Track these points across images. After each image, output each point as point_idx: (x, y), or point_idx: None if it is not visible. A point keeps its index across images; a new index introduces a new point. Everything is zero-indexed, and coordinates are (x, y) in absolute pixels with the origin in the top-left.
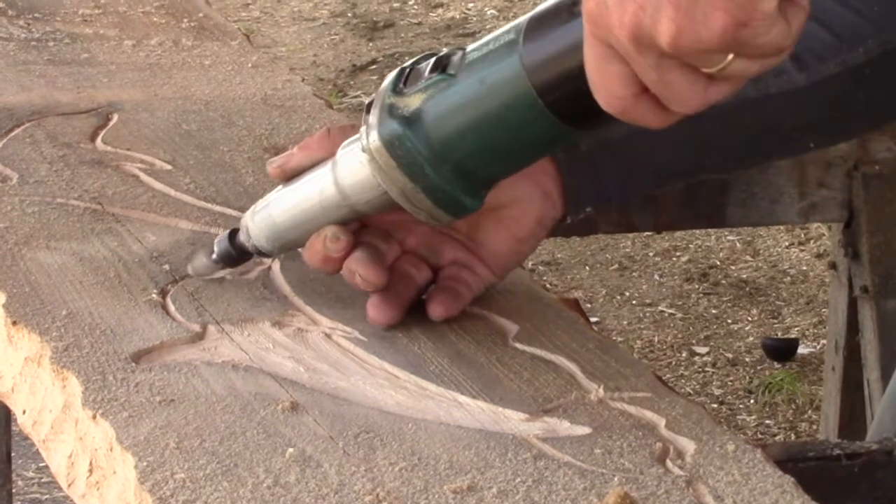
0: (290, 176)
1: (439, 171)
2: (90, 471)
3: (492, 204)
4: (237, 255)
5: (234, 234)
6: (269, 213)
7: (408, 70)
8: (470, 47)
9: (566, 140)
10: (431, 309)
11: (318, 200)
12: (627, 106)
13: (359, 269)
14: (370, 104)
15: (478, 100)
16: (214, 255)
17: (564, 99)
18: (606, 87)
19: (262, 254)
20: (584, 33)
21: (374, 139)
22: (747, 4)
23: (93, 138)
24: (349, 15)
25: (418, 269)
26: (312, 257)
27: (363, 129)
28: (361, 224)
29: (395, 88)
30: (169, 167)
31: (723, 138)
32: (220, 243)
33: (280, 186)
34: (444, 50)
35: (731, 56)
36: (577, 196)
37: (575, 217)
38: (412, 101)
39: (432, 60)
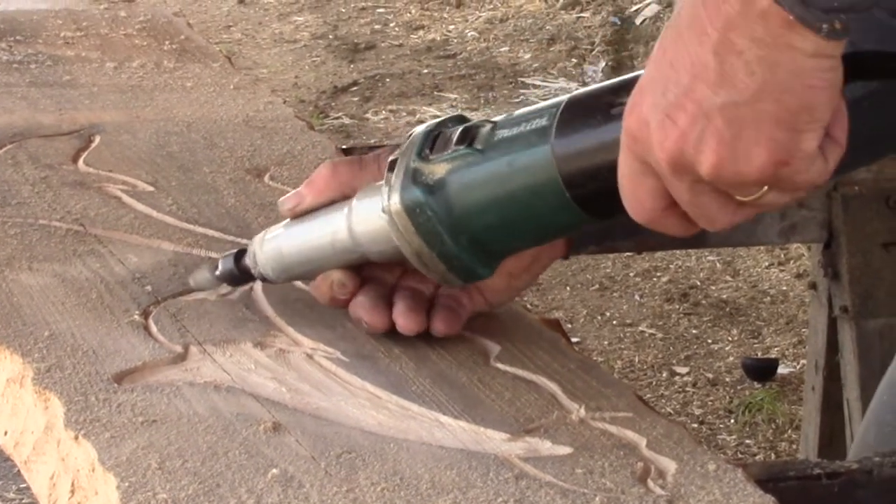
0: (300, 216)
1: (457, 241)
2: (72, 492)
3: None
4: (240, 276)
5: (240, 255)
6: (279, 246)
7: (435, 133)
8: (500, 121)
9: (583, 225)
10: (435, 326)
11: (330, 242)
12: (656, 218)
13: (364, 315)
14: (393, 162)
15: (503, 180)
16: (218, 273)
17: (591, 194)
18: (637, 199)
19: (265, 280)
20: (621, 143)
21: (395, 202)
22: (790, 144)
23: (75, 160)
24: (330, 37)
25: (424, 283)
26: (320, 296)
27: (385, 188)
28: None
29: (421, 153)
30: (151, 189)
31: None
32: (224, 262)
33: (288, 220)
34: (474, 119)
35: (765, 188)
36: (582, 237)
37: (577, 253)
38: (437, 170)
39: (459, 129)
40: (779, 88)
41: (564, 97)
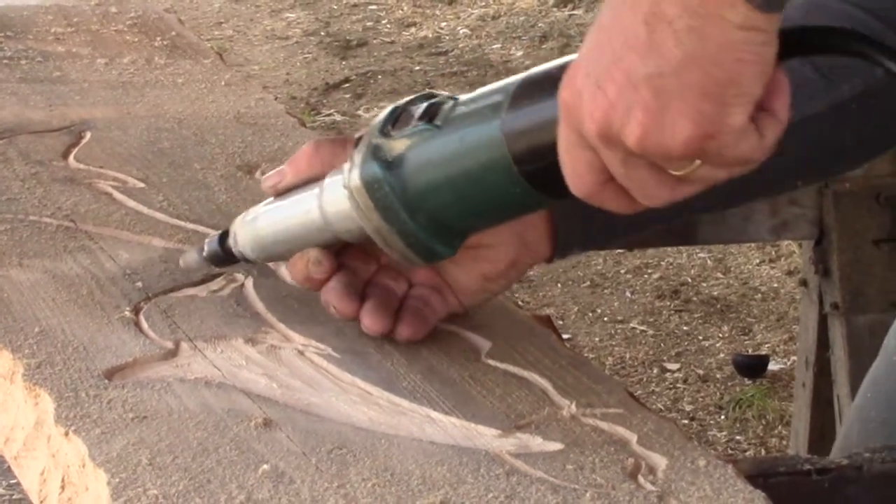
0: (282, 193)
1: (414, 218)
2: (62, 487)
3: (470, 242)
4: (224, 256)
5: (224, 235)
6: (256, 226)
7: (400, 111)
8: (462, 98)
9: (538, 206)
10: (399, 330)
11: (303, 222)
12: (594, 192)
13: (332, 300)
14: (360, 139)
15: (456, 156)
16: (205, 253)
17: (539, 170)
18: (576, 173)
19: (246, 260)
20: (559, 116)
21: (354, 178)
22: (716, 117)
23: (65, 156)
24: (322, 34)
25: (397, 282)
26: (296, 274)
27: (346, 165)
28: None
29: (383, 130)
30: (142, 185)
31: None
32: (210, 243)
33: (271, 199)
34: (441, 94)
35: (697, 162)
36: (567, 239)
37: (561, 258)
38: (397, 146)
39: (423, 106)
40: (707, 60)
41: (523, 73)
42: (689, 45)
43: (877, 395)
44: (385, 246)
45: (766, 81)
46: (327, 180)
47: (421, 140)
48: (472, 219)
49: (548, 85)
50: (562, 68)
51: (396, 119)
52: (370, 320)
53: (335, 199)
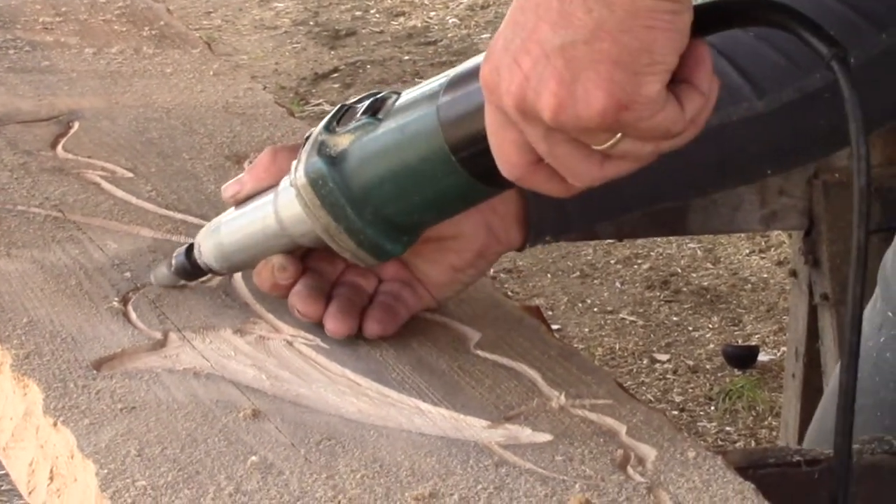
0: (242, 202)
1: (361, 215)
2: (51, 478)
3: (433, 235)
4: (192, 270)
5: (191, 248)
6: (219, 237)
7: (347, 107)
8: (404, 92)
9: (480, 197)
10: (367, 327)
11: (261, 229)
12: (524, 174)
13: (297, 304)
14: (307, 137)
15: (396, 148)
16: (173, 268)
17: (475, 157)
18: (503, 154)
19: (212, 271)
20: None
21: (300, 175)
22: (629, 87)
23: (54, 146)
24: (311, 23)
25: (366, 279)
26: (262, 283)
27: (293, 164)
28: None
29: (329, 126)
30: (130, 175)
31: (683, 167)
32: (177, 257)
33: (232, 208)
34: (385, 91)
35: (618, 135)
36: (540, 225)
37: (533, 245)
38: (341, 141)
39: (367, 102)
40: (617, 28)
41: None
42: (598, 13)
43: None
44: (335, 245)
45: (681, 50)
46: (281, 185)
47: (364, 133)
48: (417, 213)
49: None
50: None
51: (343, 115)
52: (333, 323)
53: (288, 202)
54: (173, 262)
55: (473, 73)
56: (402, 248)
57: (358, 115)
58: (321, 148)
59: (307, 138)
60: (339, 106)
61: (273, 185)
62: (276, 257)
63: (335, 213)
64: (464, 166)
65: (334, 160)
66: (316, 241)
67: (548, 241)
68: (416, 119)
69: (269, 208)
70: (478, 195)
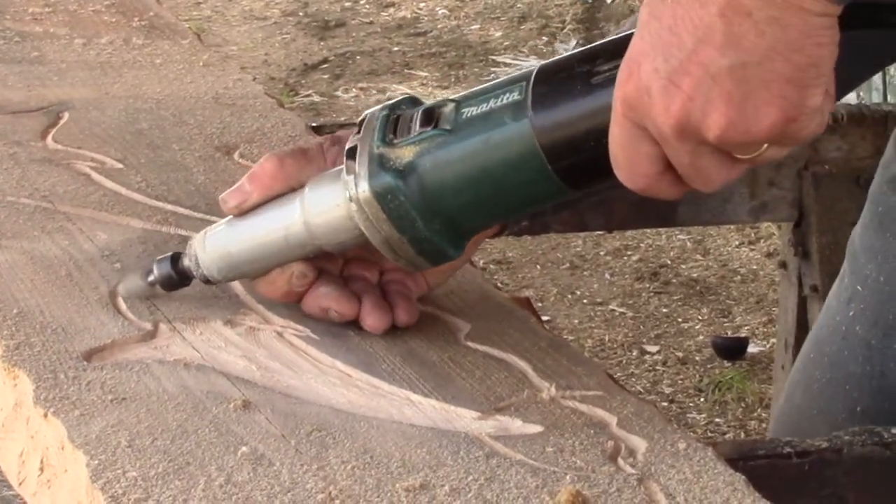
0: (246, 212)
1: (429, 224)
2: (41, 469)
3: None
4: (178, 280)
5: (176, 258)
6: (226, 245)
7: (394, 117)
8: (462, 99)
9: (561, 198)
10: (399, 317)
11: (284, 237)
12: (651, 183)
13: (333, 305)
14: (352, 150)
15: (480, 158)
16: (153, 278)
17: (573, 165)
18: (633, 167)
19: (208, 282)
20: (613, 112)
21: (364, 190)
22: (798, 101)
23: (43, 137)
24: (300, 14)
25: (370, 272)
26: (274, 291)
27: (350, 177)
28: None
29: (385, 139)
30: (120, 166)
31: None
32: (160, 266)
33: (230, 217)
34: (430, 101)
35: (766, 145)
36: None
37: (511, 230)
38: (404, 154)
39: (420, 111)
40: (789, 48)
41: (531, 69)
42: (771, 35)
43: (819, 356)
44: (392, 254)
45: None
46: (309, 193)
47: (433, 146)
48: (489, 218)
49: (575, 79)
50: (585, 60)
51: (393, 127)
52: (373, 319)
53: (324, 211)
54: (155, 272)
55: (568, 82)
56: (460, 252)
57: (415, 125)
58: (383, 161)
59: (351, 150)
60: (382, 116)
61: (281, 193)
62: (298, 265)
63: (401, 224)
64: (558, 174)
65: (401, 173)
66: (349, 248)
67: (524, 225)
68: (504, 129)
69: (296, 217)
70: (558, 197)
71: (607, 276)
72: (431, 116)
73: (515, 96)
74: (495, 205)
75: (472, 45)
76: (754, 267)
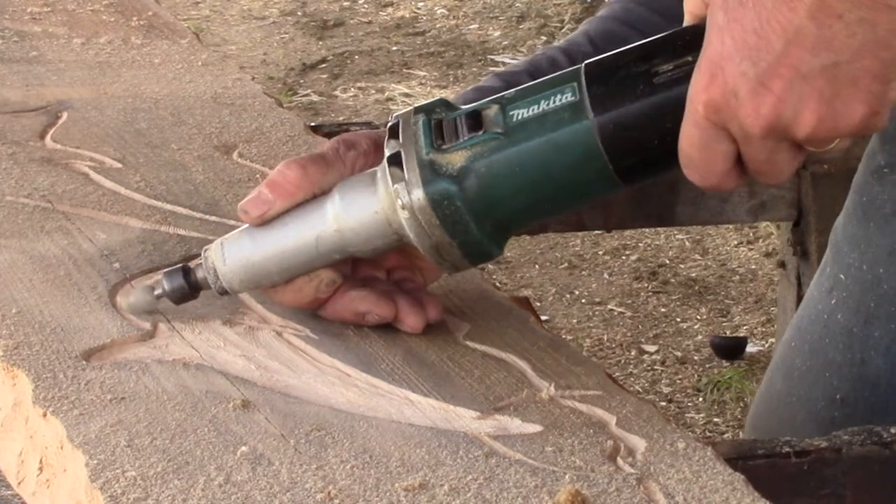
0: (269, 221)
1: (482, 227)
2: (40, 469)
3: None
4: (190, 292)
5: (186, 271)
6: (248, 256)
7: (435, 121)
8: (507, 101)
9: (612, 194)
10: (431, 315)
11: (315, 245)
12: (721, 180)
13: (373, 308)
14: (395, 156)
15: (539, 161)
16: (160, 291)
17: (636, 164)
18: (708, 165)
19: (225, 293)
20: (688, 113)
21: (418, 197)
22: (882, 95)
23: (42, 136)
24: (299, 14)
25: (379, 271)
26: (299, 299)
27: (399, 186)
28: None
29: (434, 144)
30: (119, 165)
31: None
32: (171, 280)
33: (245, 226)
34: (476, 104)
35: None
36: None
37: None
38: (455, 159)
39: (465, 115)
40: (878, 45)
41: (574, 68)
42: (861, 34)
43: (801, 344)
44: (437, 258)
45: None
46: (340, 201)
47: (486, 150)
48: (540, 217)
49: (635, 79)
50: (641, 59)
51: (438, 132)
52: (414, 319)
53: (360, 218)
54: (165, 285)
55: (628, 83)
56: (502, 251)
57: (462, 130)
58: (435, 167)
59: (394, 156)
60: (424, 121)
61: (304, 200)
62: (326, 272)
63: (454, 229)
64: (619, 174)
65: (456, 178)
66: (381, 252)
67: None
68: (564, 133)
69: (326, 225)
70: (612, 194)
71: (606, 275)
72: (478, 120)
73: (569, 97)
74: (548, 204)
75: (471, 44)
76: (753, 266)
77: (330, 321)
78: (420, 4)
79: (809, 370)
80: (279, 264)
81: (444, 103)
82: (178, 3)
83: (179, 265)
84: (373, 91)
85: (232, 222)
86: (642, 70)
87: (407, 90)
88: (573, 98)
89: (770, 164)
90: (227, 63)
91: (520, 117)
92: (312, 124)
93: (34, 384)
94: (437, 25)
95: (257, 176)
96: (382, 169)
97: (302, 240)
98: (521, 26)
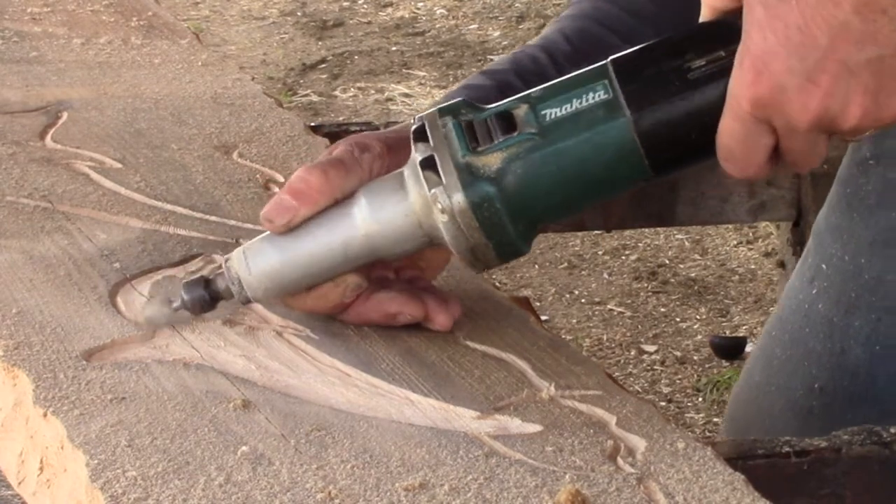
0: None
1: (516, 227)
2: (41, 469)
3: None
4: (211, 302)
5: (206, 282)
6: (273, 265)
7: (465, 123)
8: (535, 100)
9: (642, 186)
10: (453, 312)
11: (343, 251)
12: (759, 170)
13: (405, 309)
14: (428, 160)
15: (577, 160)
16: (179, 303)
17: (671, 159)
18: (748, 158)
19: (248, 303)
20: (730, 109)
21: (459, 201)
22: None
23: (42, 136)
24: (299, 14)
25: (390, 270)
26: (324, 304)
27: (437, 190)
28: None
29: (469, 147)
30: (119, 165)
31: None
32: (191, 291)
33: (266, 233)
34: (504, 104)
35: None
36: None
37: None
38: (491, 161)
39: (495, 116)
40: None
41: (600, 64)
42: None
43: (781, 334)
44: (471, 259)
45: None
46: (367, 207)
47: (522, 150)
48: (571, 213)
49: (669, 75)
50: (671, 54)
51: (470, 134)
52: (444, 317)
53: (390, 222)
54: (184, 296)
55: (661, 79)
56: (529, 248)
57: (495, 131)
58: (472, 170)
59: (427, 160)
60: (454, 123)
61: (327, 206)
62: (352, 277)
63: (491, 231)
64: (655, 169)
65: (494, 180)
66: (402, 256)
67: None
68: (601, 131)
69: (354, 230)
70: (641, 186)
71: (605, 275)
72: (510, 121)
73: (602, 95)
74: (579, 200)
75: (471, 44)
76: (752, 266)
77: (329, 321)
78: (420, 4)
79: (789, 359)
80: (306, 271)
81: (467, 104)
82: (178, 3)
83: (198, 276)
84: (372, 91)
85: (232, 222)
86: (675, 66)
87: (406, 90)
88: (606, 96)
89: (808, 155)
90: (226, 63)
91: (553, 116)
92: (312, 124)
93: (34, 384)
94: (437, 26)
95: (257, 176)
96: (413, 172)
97: (329, 246)
98: (520, 26)
